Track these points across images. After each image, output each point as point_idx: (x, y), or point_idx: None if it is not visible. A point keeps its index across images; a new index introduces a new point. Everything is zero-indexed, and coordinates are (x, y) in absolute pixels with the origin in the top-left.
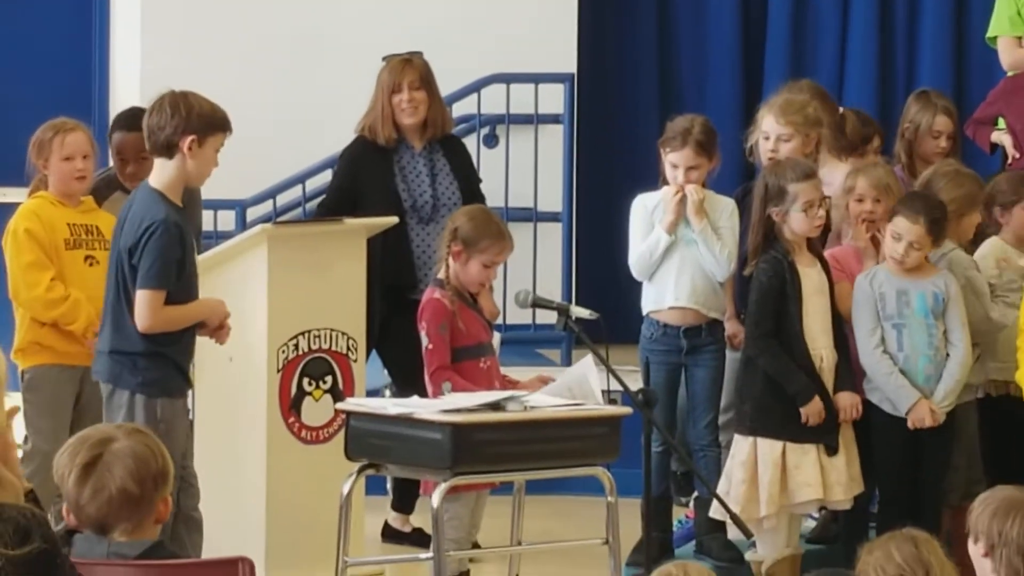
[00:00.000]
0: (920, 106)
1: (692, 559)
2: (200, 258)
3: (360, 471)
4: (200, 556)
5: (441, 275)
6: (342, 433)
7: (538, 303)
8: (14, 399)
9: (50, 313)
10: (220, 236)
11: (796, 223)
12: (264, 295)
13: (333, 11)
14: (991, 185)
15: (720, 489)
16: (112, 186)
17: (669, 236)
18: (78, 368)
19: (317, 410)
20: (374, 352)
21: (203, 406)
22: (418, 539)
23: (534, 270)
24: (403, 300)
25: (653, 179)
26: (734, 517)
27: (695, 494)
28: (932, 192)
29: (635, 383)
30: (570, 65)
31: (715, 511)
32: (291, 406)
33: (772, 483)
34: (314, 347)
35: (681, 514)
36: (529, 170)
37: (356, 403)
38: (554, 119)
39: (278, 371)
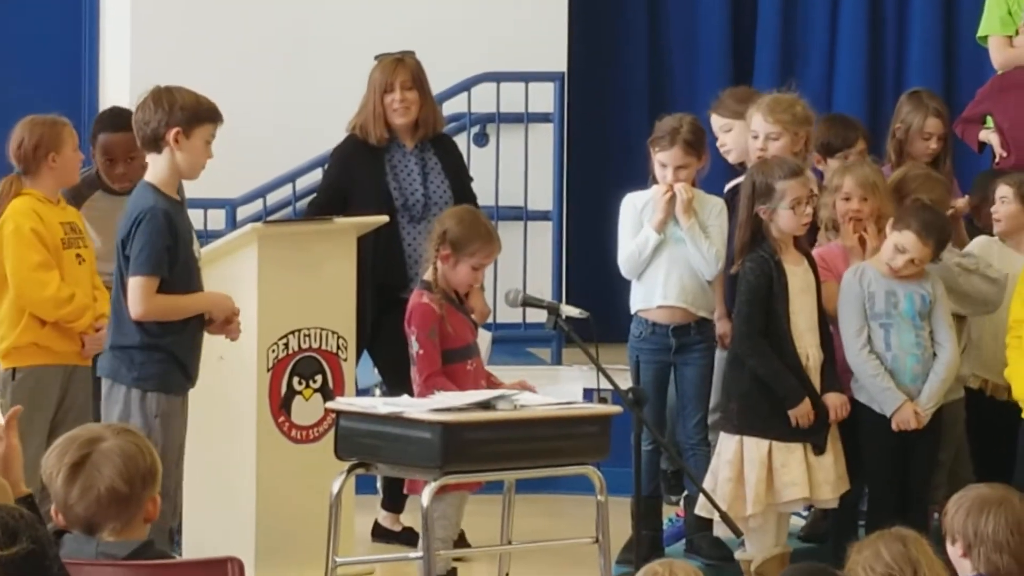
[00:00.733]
0: (912, 107)
1: (682, 558)
2: None
3: (350, 470)
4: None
5: (428, 277)
6: (332, 432)
7: (528, 302)
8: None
9: (59, 312)
10: (210, 235)
11: (783, 221)
12: (254, 294)
13: (324, 10)
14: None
15: (706, 487)
16: (93, 186)
17: (658, 235)
18: (67, 368)
19: (307, 409)
20: (365, 351)
21: (193, 405)
22: (408, 538)
23: (524, 269)
24: (394, 299)
25: (643, 178)
26: (723, 515)
27: (685, 493)
28: (911, 194)
29: (625, 382)
30: (560, 64)
31: (701, 508)
32: (281, 405)
33: (759, 482)
34: (304, 346)
35: (671, 513)
36: (519, 169)
37: (346, 402)
38: (544, 118)
39: (268, 370)
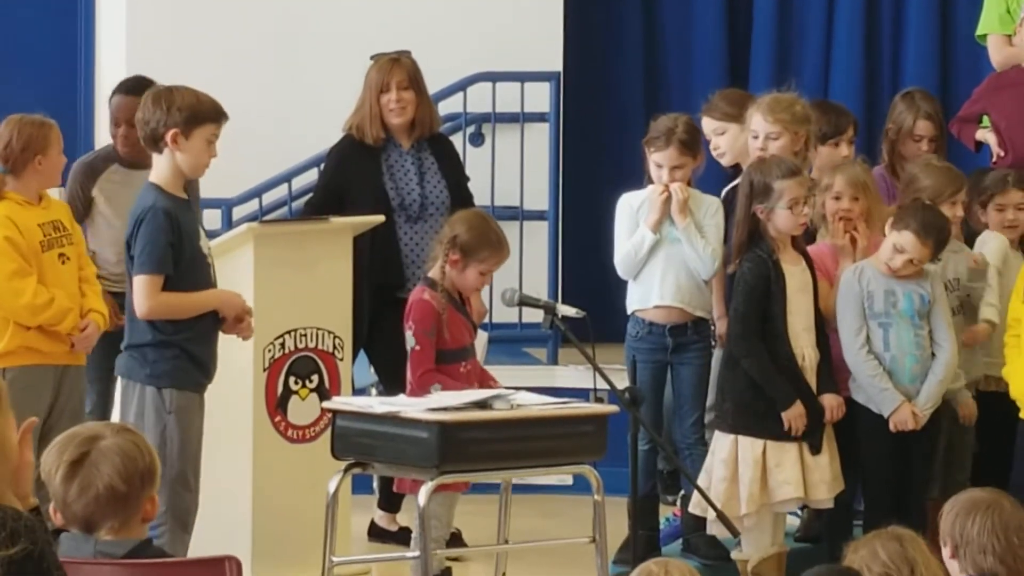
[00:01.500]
0: (904, 107)
1: (679, 557)
2: None
3: (346, 470)
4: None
5: (433, 274)
6: (328, 432)
7: (524, 301)
8: None
9: (37, 319)
10: (206, 235)
11: (781, 221)
12: (250, 294)
13: (319, 9)
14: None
15: (701, 486)
16: (109, 159)
17: (654, 235)
18: (58, 368)
19: (303, 409)
20: (362, 351)
21: None
22: (404, 538)
23: (520, 269)
24: (391, 299)
25: (639, 178)
26: (720, 515)
27: (682, 492)
28: (924, 195)
29: (621, 382)
30: (556, 64)
31: (696, 507)
32: (277, 405)
33: (753, 481)
34: (300, 346)
35: (668, 512)
36: (515, 169)
37: (342, 402)
38: (540, 118)
39: (264, 370)
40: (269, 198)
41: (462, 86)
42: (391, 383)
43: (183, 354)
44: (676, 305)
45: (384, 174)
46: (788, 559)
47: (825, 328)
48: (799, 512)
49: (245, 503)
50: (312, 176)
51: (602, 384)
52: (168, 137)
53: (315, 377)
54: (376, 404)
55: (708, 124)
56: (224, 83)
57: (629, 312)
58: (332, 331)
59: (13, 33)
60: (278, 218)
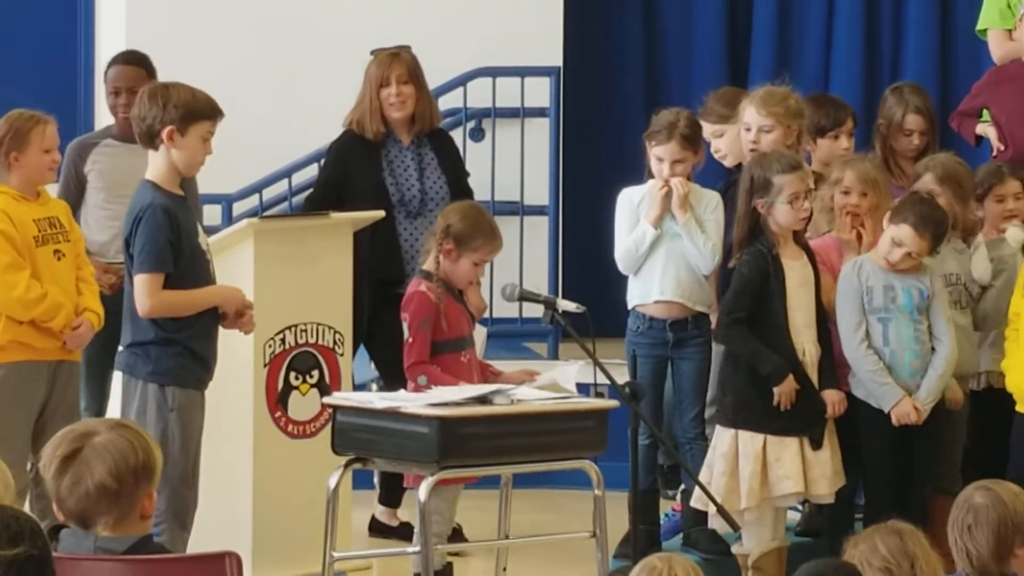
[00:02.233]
0: (894, 101)
1: (679, 552)
2: None
3: (347, 465)
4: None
5: (427, 266)
6: (329, 427)
7: (525, 296)
8: None
9: (29, 313)
10: (206, 231)
11: (781, 215)
12: (250, 289)
13: (320, 5)
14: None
15: (702, 480)
16: (103, 135)
17: (655, 230)
18: (51, 364)
19: (304, 404)
20: (362, 347)
21: None
22: (405, 533)
23: (520, 264)
24: (391, 294)
25: (639, 173)
26: (720, 509)
27: (682, 487)
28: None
29: (622, 376)
30: (556, 59)
31: (696, 500)
32: (278, 400)
33: (753, 476)
34: (301, 341)
35: (668, 508)
36: (515, 164)
37: (343, 397)
38: (540, 113)
39: (264, 365)
40: (269, 193)
41: (462, 81)
42: (391, 378)
43: (185, 351)
44: (676, 300)
45: (384, 169)
46: (789, 553)
47: (827, 323)
48: (799, 507)
49: (246, 499)
50: (312, 172)
51: (602, 379)
52: (164, 134)
53: (315, 372)
54: (376, 399)
55: (706, 128)
56: (224, 79)
57: (629, 307)
58: (332, 326)
59: (14, 31)
60: (278, 213)
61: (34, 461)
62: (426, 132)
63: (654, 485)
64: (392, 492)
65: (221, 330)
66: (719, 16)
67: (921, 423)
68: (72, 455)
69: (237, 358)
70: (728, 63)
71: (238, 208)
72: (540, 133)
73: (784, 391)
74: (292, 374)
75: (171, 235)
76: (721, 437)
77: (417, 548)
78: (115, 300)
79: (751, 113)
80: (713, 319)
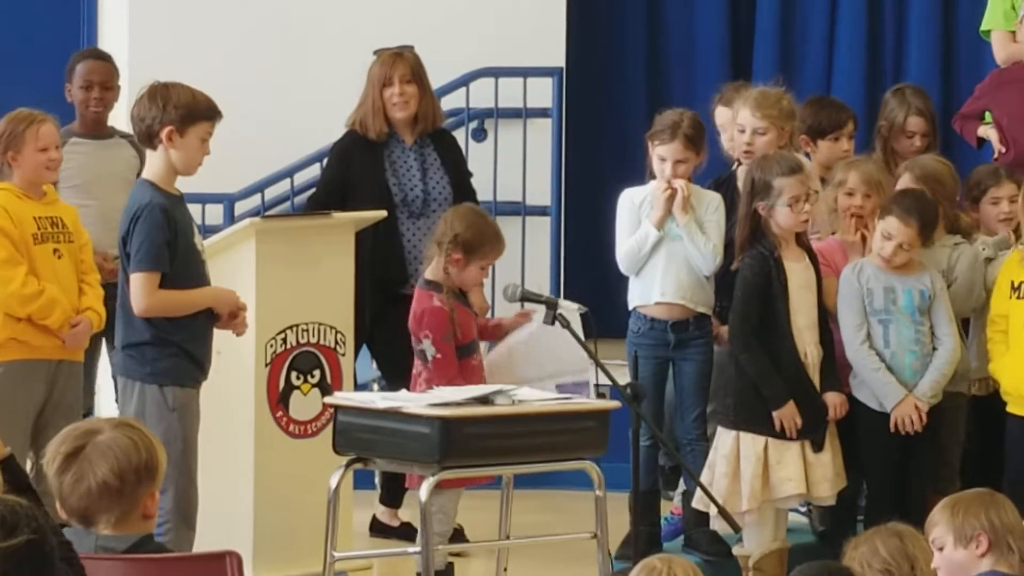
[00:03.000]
0: (896, 103)
1: (680, 553)
2: None
3: (348, 465)
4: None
5: (433, 276)
6: (330, 427)
7: (527, 297)
8: None
9: (26, 309)
10: (208, 230)
11: (782, 218)
12: (252, 289)
13: (322, 5)
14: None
15: (703, 481)
16: (67, 134)
17: (658, 231)
18: (51, 363)
19: (305, 404)
20: (364, 347)
21: None
22: (406, 533)
23: (522, 264)
24: (393, 295)
25: (642, 174)
26: (721, 511)
27: (683, 489)
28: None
29: (623, 377)
30: (559, 59)
31: (698, 501)
32: (279, 400)
33: (754, 478)
34: (302, 341)
35: (667, 510)
36: (518, 164)
37: (344, 397)
38: (543, 113)
39: (266, 365)
40: (271, 193)
41: (464, 81)
42: (393, 378)
43: (181, 352)
44: (677, 302)
45: (387, 169)
46: (790, 555)
47: (830, 325)
48: (800, 508)
49: (246, 498)
50: (314, 171)
51: (604, 380)
52: (163, 134)
53: (317, 372)
54: (378, 399)
55: (722, 114)
56: (227, 79)
57: (630, 308)
58: (334, 326)
59: (16, 30)
60: (280, 213)
61: (35, 459)
62: (429, 132)
63: (655, 486)
64: (393, 492)
65: (220, 331)
66: (722, 17)
67: (923, 426)
68: (75, 453)
69: (238, 358)
70: (730, 64)
71: (240, 208)
72: (542, 133)
73: (783, 416)
74: (293, 374)
75: (168, 235)
76: (723, 439)
77: (418, 548)
78: (106, 296)
79: (745, 115)
80: (716, 322)
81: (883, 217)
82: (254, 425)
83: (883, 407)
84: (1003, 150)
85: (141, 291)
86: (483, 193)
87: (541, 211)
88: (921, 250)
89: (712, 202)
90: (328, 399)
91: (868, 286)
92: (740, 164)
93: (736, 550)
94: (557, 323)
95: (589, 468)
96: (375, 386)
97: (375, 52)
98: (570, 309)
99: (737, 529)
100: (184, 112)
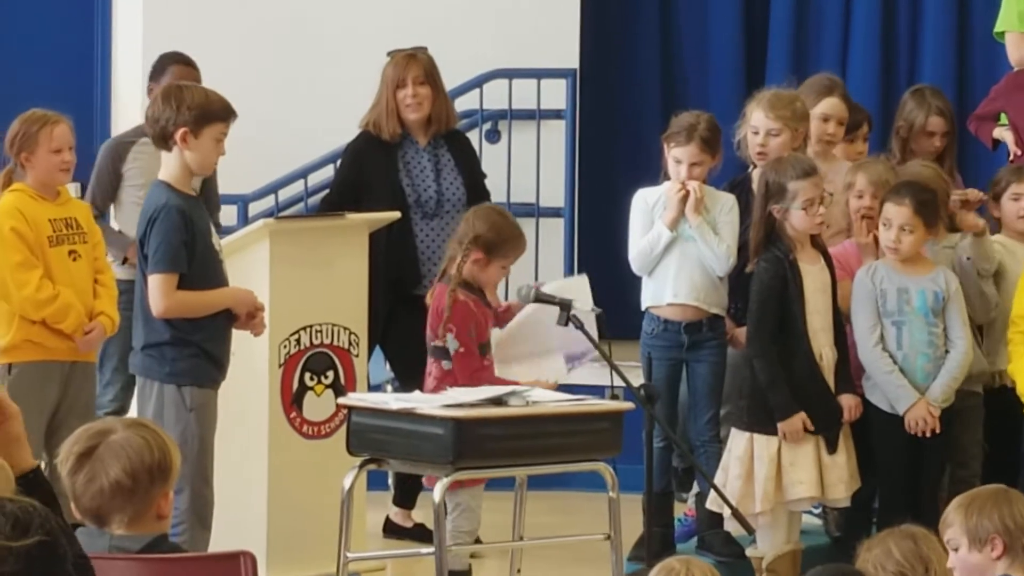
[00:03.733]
0: (915, 104)
1: (694, 554)
2: None
3: (362, 466)
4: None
5: (457, 273)
6: (344, 428)
7: (540, 298)
8: None
9: (40, 313)
10: (222, 231)
11: (796, 221)
12: (266, 290)
13: (336, 5)
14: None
15: (717, 482)
16: (139, 133)
17: (671, 232)
18: (65, 364)
19: (319, 405)
20: (378, 348)
21: None
22: (420, 534)
23: (536, 265)
24: (407, 295)
25: (655, 175)
26: (735, 512)
27: (696, 491)
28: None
29: (637, 378)
30: (572, 60)
31: (712, 502)
32: (293, 401)
33: (767, 480)
34: (316, 342)
35: (681, 512)
36: (531, 166)
37: (358, 398)
38: (556, 115)
39: (280, 366)
40: (285, 194)
41: (478, 83)
42: (406, 379)
43: (200, 352)
44: (691, 303)
45: (400, 170)
46: (803, 557)
47: (844, 328)
48: (813, 511)
49: (260, 499)
50: (328, 172)
51: (618, 381)
52: (178, 136)
53: (330, 373)
54: (391, 400)
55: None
56: (241, 80)
57: (644, 309)
58: (348, 327)
59: (31, 31)
60: (294, 214)
61: (49, 460)
62: (443, 133)
63: (668, 487)
64: (406, 493)
65: (235, 331)
66: (736, 18)
67: (937, 431)
68: (88, 452)
69: (252, 359)
70: (745, 66)
71: (254, 208)
72: (556, 135)
73: (788, 429)
74: (307, 375)
75: (186, 236)
76: (737, 440)
77: (432, 549)
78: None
79: (759, 116)
80: (729, 324)
81: (881, 209)
82: (268, 426)
83: (895, 409)
84: (1018, 152)
85: (159, 292)
86: (497, 194)
87: (555, 212)
88: (932, 248)
89: (726, 203)
90: (342, 400)
91: (881, 287)
92: (755, 167)
93: (750, 552)
94: (571, 324)
95: (603, 469)
96: (388, 387)
97: (389, 53)
98: (584, 310)
99: (751, 531)
100: (198, 113)
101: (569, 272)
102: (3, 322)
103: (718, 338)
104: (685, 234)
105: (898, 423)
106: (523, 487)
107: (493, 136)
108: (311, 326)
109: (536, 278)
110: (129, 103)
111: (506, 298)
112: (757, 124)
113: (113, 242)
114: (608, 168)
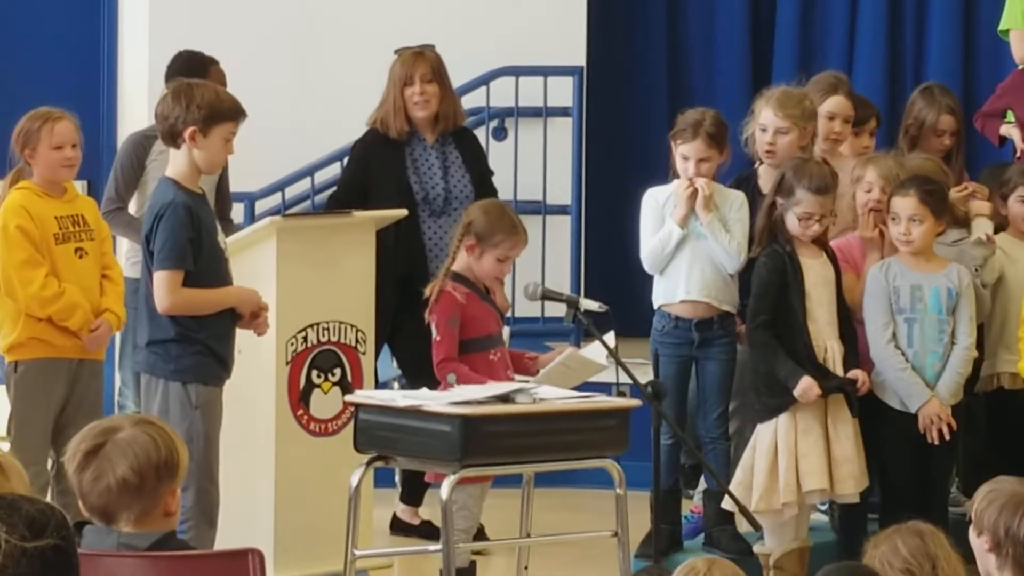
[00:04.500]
0: (924, 103)
1: (701, 552)
2: None
3: (369, 463)
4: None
5: (455, 267)
6: (351, 425)
7: (547, 296)
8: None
9: (46, 310)
10: (235, 227)
11: (790, 223)
12: (273, 287)
13: (343, 3)
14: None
15: (738, 479)
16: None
17: (681, 230)
18: (72, 362)
19: (326, 402)
20: (385, 345)
21: None
22: (427, 531)
23: (543, 263)
24: (414, 293)
25: (662, 172)
26: (743, 509)
27: (704, 488)
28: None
29: (644, 376)
30: (579, 58)
31: (727, 503)
32: (300, 398)
33: (788, 470)
34: (323, 339)
35: (688, 509)
36: (538, 163)
37: (365, 395)
38: (563, 112)
39: (287, 363)
40: (292, 192)
41: (485, 80)
42: (414, 377)
43: (206, 349)
44: (702, 300)
45: (408, 168)
46: (810, 554)
47: (851, 321)
48: (820, 507)
49: (267, 496)
50: (335, 170)
51: (625, 378)
52: (186, 134)
53: (338, 371)
54: (399, 398)
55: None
56: (247, 77)
57: (655, 307)
58: (355, 325)
59: (37, 28)
60: (301, 212)
61: (56, 457)
62: (450, 131)
63: (676, 485)
64: (413, 490)
65: (247, 331)
66: (742, 16)
67: (954, 427)
68: (95, 450)
69: (259, 356)
70: (751, 63)
71: (261, 206)
72: (563, 132)
73: (802, 390)
74: (314, 372)
75: (192, 233)
76: (761, 435)
77: (439, 547)
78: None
79: (768, 115)
80: (739, 321)
81: (888, 206)
82: (275, 423)
83: (905, 406)
84: None
85: (164, 289)
86: (504, 192)
87: (561, 210)
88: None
89: (736, 200)
90: (349, 397)
91: (895, 284)
92: (761, 163)
93: (757, 548)
94: (582, 329)
95: (610, 467)
96: (396, 384)
97: (396, 51)
98: (591, 308)
99: (757, 527)
100: (208, 112)
101: (576, 268)
102: (9, 320)
103: (729, 335)
104: (696, 232)
105: (908, 420)
106: (530, 484)
107: (500, 134)
108: (318, 324)
109: (543, 275)
110: (135, 101)
111: (513, 294)
112: (766, 122)
113: (137, 229)
114: (615, 165)
